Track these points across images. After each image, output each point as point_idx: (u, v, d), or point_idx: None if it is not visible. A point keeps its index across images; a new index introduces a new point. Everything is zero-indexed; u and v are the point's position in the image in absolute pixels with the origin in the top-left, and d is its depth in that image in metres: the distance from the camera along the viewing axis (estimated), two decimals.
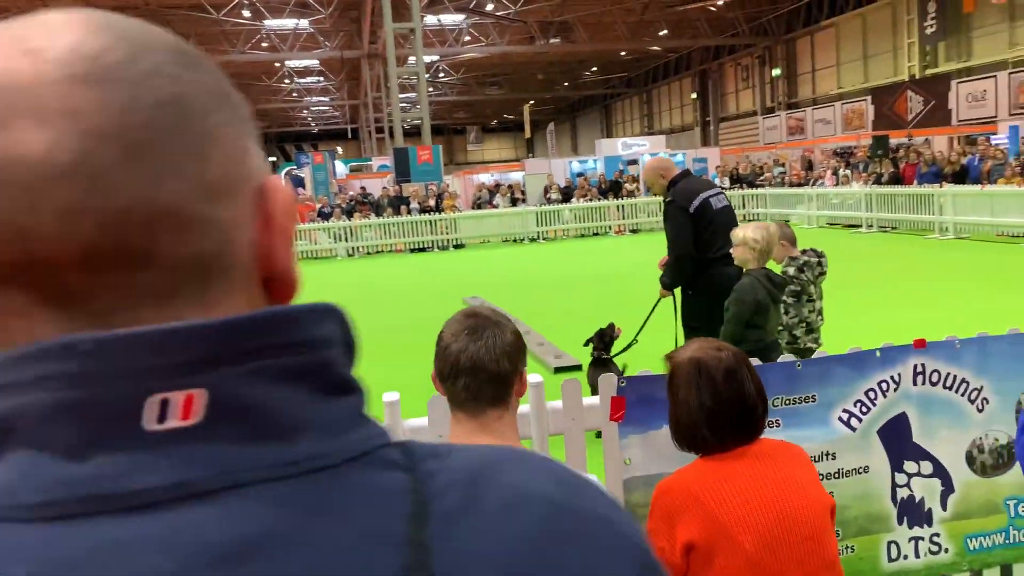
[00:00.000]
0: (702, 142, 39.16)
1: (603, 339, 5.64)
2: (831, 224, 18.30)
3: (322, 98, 48.99)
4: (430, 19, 31.70)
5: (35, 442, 0.38)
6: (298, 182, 28.12)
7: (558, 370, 7.17)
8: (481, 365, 1.58)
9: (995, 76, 22.67)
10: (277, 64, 39.40)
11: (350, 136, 44.48)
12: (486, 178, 29.62)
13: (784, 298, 4.65)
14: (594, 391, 2.62)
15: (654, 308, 5.78)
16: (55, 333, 0.39)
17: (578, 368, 7.16)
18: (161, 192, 0.40)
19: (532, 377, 2.89)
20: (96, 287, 0.40)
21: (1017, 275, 10.22)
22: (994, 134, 20.45)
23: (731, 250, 4.62)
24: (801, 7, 33.26)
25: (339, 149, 48.89)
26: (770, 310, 4.49)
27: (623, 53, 40.91)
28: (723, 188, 21.20)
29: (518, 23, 34.20)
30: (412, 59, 27.97)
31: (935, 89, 25.11)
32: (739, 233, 4.58)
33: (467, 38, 36.90)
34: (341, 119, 56.59)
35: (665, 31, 36.89)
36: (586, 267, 14.50)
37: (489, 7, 32.16)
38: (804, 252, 4.94)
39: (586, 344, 5.73)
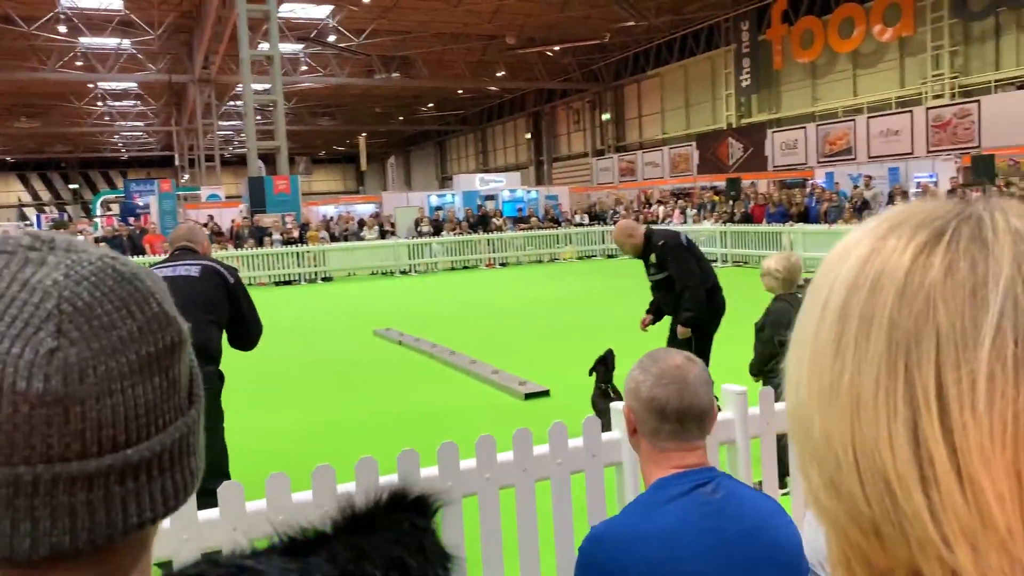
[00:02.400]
0: (536, 181, 40.77)
1: (607, 367, 5.69)
2: None
3: (137, 123, 45.90)
4: (264, 46, 30.68)
5: None
6: (130, 210, 26.23)
7: (529, 396, 7.35)
8: None
9: (804, 128, 25.66)
10: (91, 85, 36.52)
11: (177, 163, 41.89)
12: (330, 210, 29.14)
13: None
14: (603, 419, 2.86)
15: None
16: None
17: (547, 394, 7.40)
18: None
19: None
20: None
21: None
22: (810, 179, 23.10)
23: (761, 278, 5.11)
24: (629, 57, 35.81)
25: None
26: None
27: (460, 91, 41.84)
28: (582, 223, 22.52)
29: (360, 56, 34.10)
30: (239, 87, 26.95)
31: (753, 137, 27.95)
32: (765, 264, 5.09)
33: (304, 68, 36.20)
34: (156, 145, 53.13)
35: (503, 72, 38.25)
36: (479, 298, 14.74)
37: (331, 38, 31.82)
38: (806, 282, 5.53)
39: (591, 373, 5.76)
